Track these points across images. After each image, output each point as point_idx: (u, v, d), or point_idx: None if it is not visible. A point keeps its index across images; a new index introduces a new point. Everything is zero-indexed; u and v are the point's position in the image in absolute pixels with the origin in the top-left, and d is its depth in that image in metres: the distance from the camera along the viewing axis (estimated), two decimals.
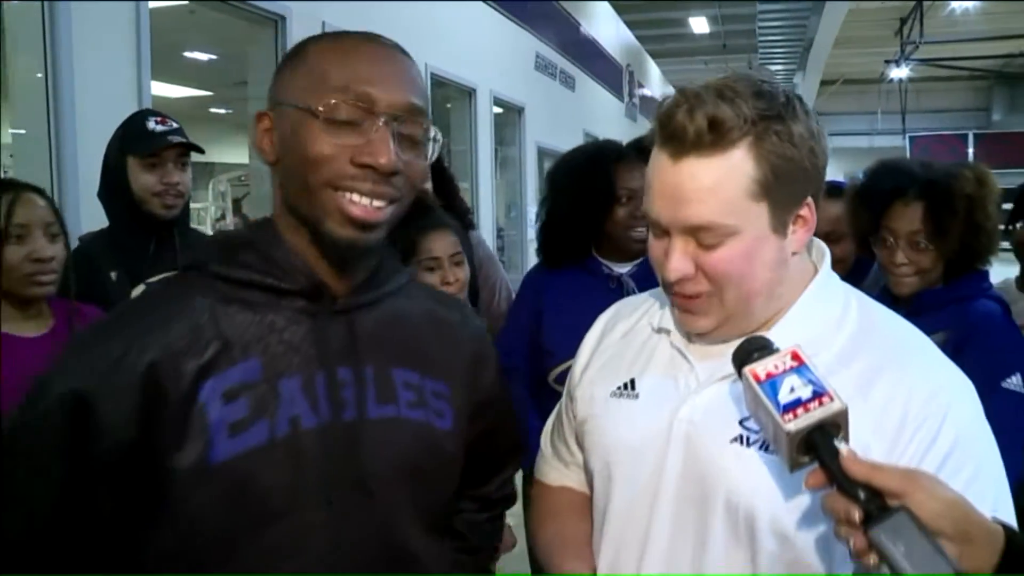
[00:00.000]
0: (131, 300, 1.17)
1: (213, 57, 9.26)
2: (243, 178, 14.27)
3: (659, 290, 1.27)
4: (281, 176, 1.11)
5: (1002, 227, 2.16)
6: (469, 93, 7.10)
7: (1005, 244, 2.43)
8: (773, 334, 1.06)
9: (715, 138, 1.06)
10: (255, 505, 1.02)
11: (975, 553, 0.87)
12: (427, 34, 5.94)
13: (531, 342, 2.41)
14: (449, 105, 7.28)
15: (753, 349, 0.98)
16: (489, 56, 7.47)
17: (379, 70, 1.07)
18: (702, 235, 1.09)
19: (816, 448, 0.91)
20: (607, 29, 12.84)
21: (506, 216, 8.95)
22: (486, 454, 1.32)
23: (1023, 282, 2.47)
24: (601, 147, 2.50)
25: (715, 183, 1.06)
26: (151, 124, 2.32)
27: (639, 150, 2.43)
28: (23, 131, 3.01)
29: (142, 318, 1.06)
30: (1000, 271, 2.45)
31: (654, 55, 17.87)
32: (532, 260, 3.00)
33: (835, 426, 0.92)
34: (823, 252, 1.21)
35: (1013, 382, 1.85)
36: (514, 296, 2.82)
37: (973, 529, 0.88)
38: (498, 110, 7.91)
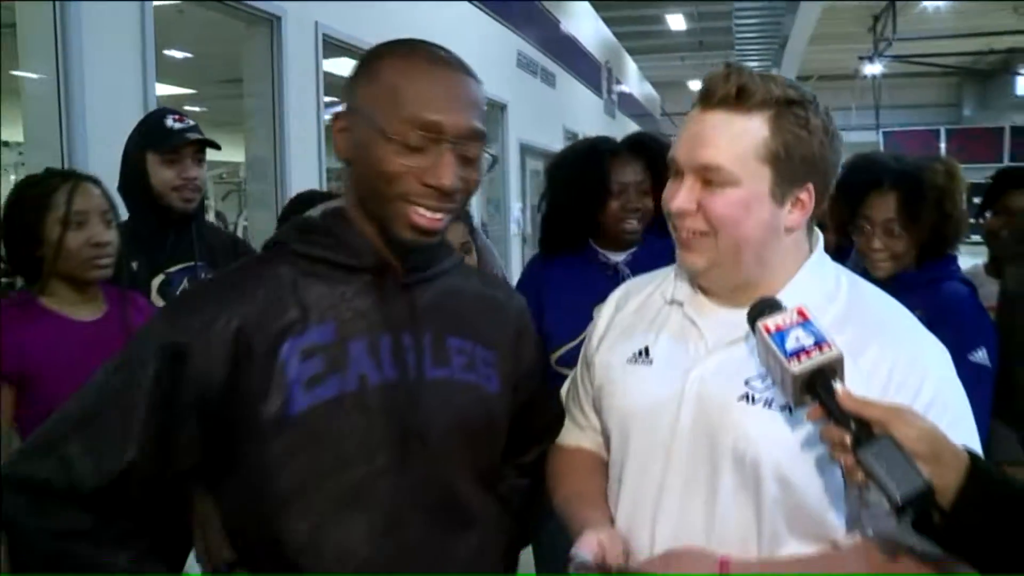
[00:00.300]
0: (227, 270, 1.32)
1: (189, 55, 9.28)
2: (224, 176, 14.31)
3: (669, 268, 1.42)
4: (354, 175, 1.24)
5: (972, 220, 2.32)
6: None
7: (976, 237, 2.61)
8: (780, 298, 1.20)
9: (741, 101, 1.22)
10: (327, 452, 1.16)
11: (945, 472, 1.03)
12: (415, 34, 6.03)
13: None
14: None
15: (765, 307, 1.14)
16: (473, 55, 7.48)
17: (446, 96, 1.20)
18: (710, 175, 1.24)
19: (816, 387, 1.07)
20: (586, 27, 12.97)
21: (487, 211, 9.06)
22: (528, 425, 1.45)
23: (991, 267, 2.65)
24: (596, 143, 2.65)
25: (731, 136, 1.23)
26: (169, 122, 2.44)
27: (631, 146, 2.58)
28: (33, 131, 3.11)
29: (235, 286, 1.22)
30: (971, 261, 2.62)
31: (632, 52, 18.02)
32: (516, 254, 3.15)
33: (832, 370, 1.07)
34: (819, 237, 1.36)
35: (979, 356, 2.01)
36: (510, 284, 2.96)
37: (944, 453, 1.04)
38: None
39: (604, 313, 1.50)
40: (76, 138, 2.95)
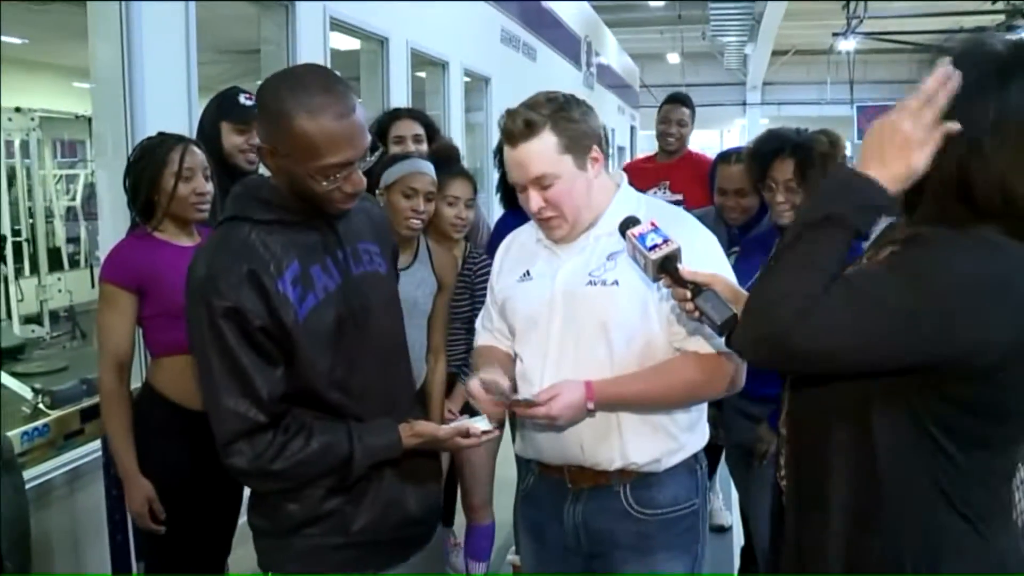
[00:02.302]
0: (219, 239, 1.83)
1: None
2: None
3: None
4: (286, 181, 1.80)
5: None
6: (442, 66, 7.75)
7: None
8: (603, 221, 1.95)
9: (529, 130, 1.90)
10: (323, 336, 1.81)
11: (740, 307, 1.67)
12: (408, 14, 6.61)
13: None
14: (423, 75, 7.95)
15: (629, 222, 1.80)
16: (461, 32, 8.11)
17: (347, 137, 1.73)
18: (540, 181, 1.94)
19: (667, 267, 1.73)
20: (567, 2, 13.44)
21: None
22: None
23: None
24: None
25: (536, 153, 1.92)
26: (242, 99, 3.05)
27: None
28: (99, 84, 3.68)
29: (230, 249, 1.77)
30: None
31: (612, 25, 18.44)
32: (497, 214, 3.87)
33: (675, 256, 1.73)
34: (621, 174, 2.08)
35: None
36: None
37: (740, 297, 1.70)
38: (467, 79, 8.54)
39: (498, 255, 2.22)
40: (137, 106, 3.54)
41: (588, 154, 1.97)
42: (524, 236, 2.16)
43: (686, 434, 2.03)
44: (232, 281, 1.72)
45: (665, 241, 1.75)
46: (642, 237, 1.77)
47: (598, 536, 2.03)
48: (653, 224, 1.79)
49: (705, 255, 1.90)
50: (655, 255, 1.74)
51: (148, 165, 2.58)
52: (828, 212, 1.33)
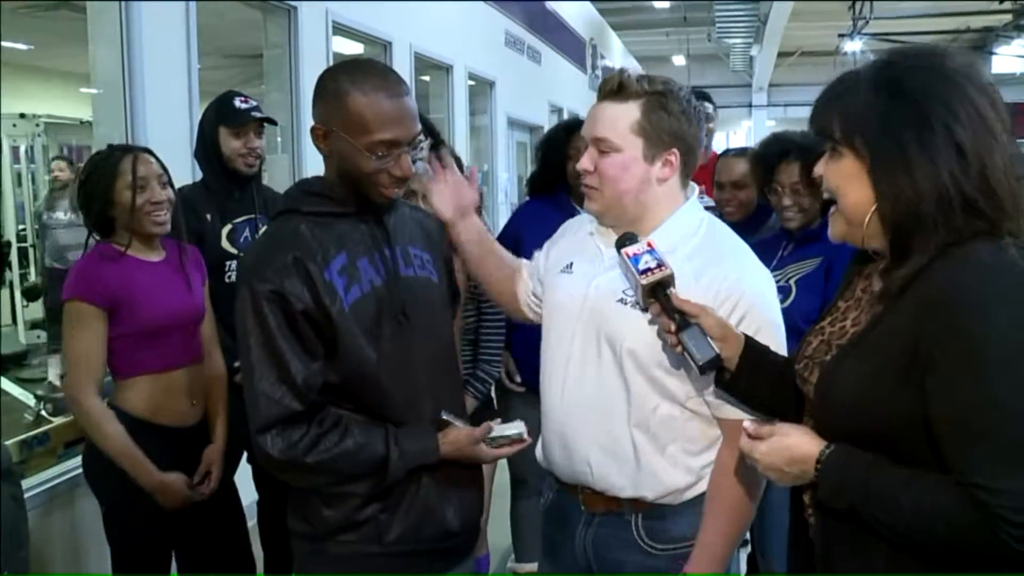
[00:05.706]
0: (268, 230, 1.90)
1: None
2: None
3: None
4: (335, 164, 1.83)
5: None
6: (446, 69, 7.74)
7: None
8: (656, 234, 1.80)
9: (618, 93, 1.82)
10: (365, 325, 1.80)
11: (729, 347, 1.64)
12: (411, 17, 6.61)
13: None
14: (427, 78, 7.94)
15: (627, 239, 1.73)
16: (464, 35, 8.10)
17: (398, 118, 1.77)
18: (600, 144, 1.85)
19: (656, 293, 1.66)
20: (572, 5, 13.44)
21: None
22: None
23: None
24: (567, 121, 3.54)
25: (613, 117, 1.83)
26: (237, 103, 3.02)
27: None
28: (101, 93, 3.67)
29: (280, 237, 1.81)
30: None
31: (616, 28, 18.43)
32: (503, 219, 3.86)
33: (666, 282, 1.66)
34: (694, 188, 1.95)
35: None
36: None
37: (729, 335, 1.65)
38: (471, 83, 8.55)
39: (553, 238, 2.16)
40: (137, 112, 3.52)
41: (664, 152, 1.84)
42: (578, 226, 2.09)
43: (708, 468, 1.90)
44: (277, 266, 1.74)
45: (659, 265, 1.67)
46: (636, 259, 1.68)
47: (606, 564, 1.95)
48: (650, 245, 1.71)
49: (750, 291, 1.81)
50: (645, 280, 1.66)
51: (100, 178, 2.51)
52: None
